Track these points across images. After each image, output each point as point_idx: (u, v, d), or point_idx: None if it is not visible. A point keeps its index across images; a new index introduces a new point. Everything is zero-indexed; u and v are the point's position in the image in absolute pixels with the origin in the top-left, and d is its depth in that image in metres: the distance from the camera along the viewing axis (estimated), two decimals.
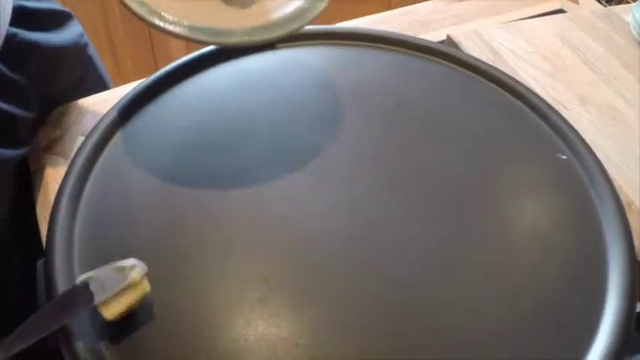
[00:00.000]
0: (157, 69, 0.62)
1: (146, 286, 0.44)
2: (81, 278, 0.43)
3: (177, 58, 0.64)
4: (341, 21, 0.78)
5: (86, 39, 0.76)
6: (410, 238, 0.51)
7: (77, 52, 0.74)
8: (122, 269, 0.43)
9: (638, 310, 0.49)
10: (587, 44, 0.77)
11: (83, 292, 0.43)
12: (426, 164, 0.56)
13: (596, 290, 0.48)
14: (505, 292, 0.48)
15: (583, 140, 0.57)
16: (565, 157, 0.56)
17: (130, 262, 0.44)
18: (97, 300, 0.42)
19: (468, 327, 0.46)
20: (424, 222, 0.52)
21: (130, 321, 0.45)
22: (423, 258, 0.50)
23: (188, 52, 0.64)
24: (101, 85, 0.79)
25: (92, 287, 0.43)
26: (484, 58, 0.69)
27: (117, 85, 0.74)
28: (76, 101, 0.70)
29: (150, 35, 1.52)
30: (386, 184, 0.54)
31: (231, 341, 0.45)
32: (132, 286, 0.43)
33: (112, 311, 0.43)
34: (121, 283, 0.43)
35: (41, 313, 0.41)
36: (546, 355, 0.45)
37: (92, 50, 0.78)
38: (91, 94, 0.72)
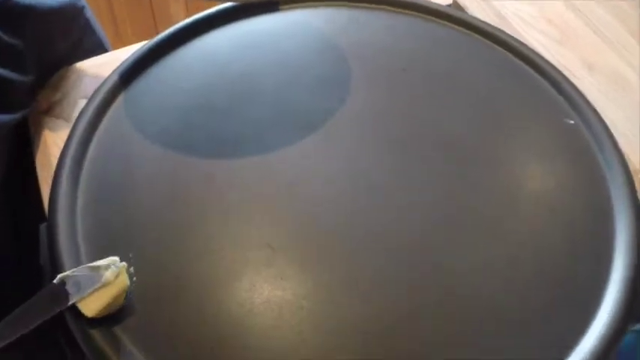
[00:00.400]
0: (157, 34, 0.61)
1: (124, 283, 0.44)
2: (58, 278, 0.44)
3: (177, 22, 0.63)
4: None
5: (83, 1, 0.75)
6: (415, 201, 0.50)
7: (73, 13, 0.73)
8: (97, 268, 0.44)
9: None
10: (594, 11, 0.76)
11: (59, 292, 0.43)
12: (431, 128, 0.55)
13: (602, 256, 0.48)
14: (511, 255, 0.48)
15: (591, 105, 0.57)
16: (573, 121, 0.56)
17: (107, 261, 0.44)
18: (72, 299, 0.43)
19: (473, 290, 0.46)
20: (430, 185, 0.51)
21: (134, 290, 0.45)
22: (429, 221, 0.49)
23: (188, 16, 0.63)
24: (100, 49, 0.78)
25: (68, 287, 0.44)
26: (490, 23, 0.68)
27: (117, 49, 0.73)
28: (75, 64, 0.69)
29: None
30: (391, 147, 0.54)
31: (237, 304, 0.44)
32: (107, 284, 0.43)
33: (91, 308, 0.43)
34: (96, 283, 0.43)
35: (17, 312, 0.42)
36: (551, 320, 0.45)
37: (90, 13, 0.77)
38: (91, 57, 0.71)
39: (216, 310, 0.44)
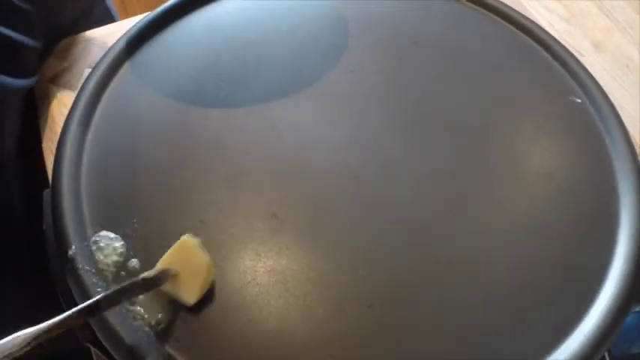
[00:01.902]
0: (162, 3, 0.61)
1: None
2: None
3: None
4: None
5: None
6: (422, 175, 0.50)
7: None
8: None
9: None
10: None
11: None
12: (440, 103, 0.55)
13: (606, 237, 0.48)
14: (516, 233, 0.48)
15: (598, 85, 0.56)
16: (579, 100, 0.56)
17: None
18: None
19: (476, 267, 0.46)
20: (436, 160, 0.51)
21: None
22: (435, 196, 0.49)
23: None
24: (108, 18, 0.78)
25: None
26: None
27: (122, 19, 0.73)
28: (82, 33, 0.69)
29: None
30: (398, 121, 0.53)
31: (241, 273, 0.44)
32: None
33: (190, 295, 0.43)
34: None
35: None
36: (556, 299, 0.45)
37: None
38: (98, 27, 0.70)
39: (220, 278, 0.44)
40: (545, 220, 0.49)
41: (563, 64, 0.58)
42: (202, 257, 0.43)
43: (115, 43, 0.57)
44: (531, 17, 0.67)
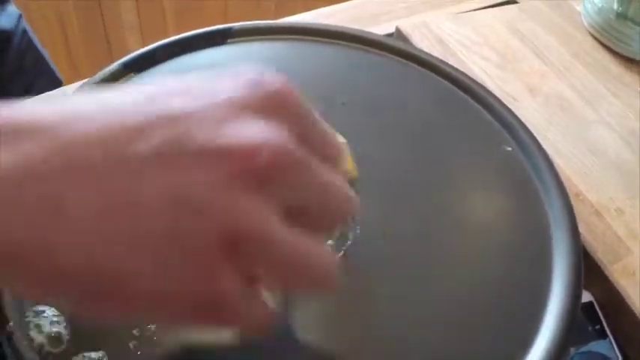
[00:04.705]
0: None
1: None
2: None
3: None
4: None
5: (24, 24, 0.73)
6: (356, 235, 0.50)
7: (16, 36, 0.72)
8: None
9: (583, 301, 0.49)
10: (537, 34, 0.77)
11: None
12: (370, 160, 0.55)
13: (542, 282, 0.48)
14: (450, 283, 0.48)
15: (529, 132, 0.57)
16: (510, 148, 0.56)
17: None
18: None
19: (410, 320, 0.46)
20: (368, 218, 0.51)
21: None
22: (368, 252, 0.49)
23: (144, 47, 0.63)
24: (55, 85, 0.77)
25: None
26: (433, 51, 0.69)
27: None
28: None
29: (105, 30, 1.50)
30: None
31: None
32: None
33: None
34: None
35: None
36: (491, 348, 0.45)
37: (33, 36, 0.75)
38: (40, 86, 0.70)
39: None
40: (479, 271, 0.49)
41: (493, 112, 0.58)
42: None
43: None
44: (465, 66, 0.68)
